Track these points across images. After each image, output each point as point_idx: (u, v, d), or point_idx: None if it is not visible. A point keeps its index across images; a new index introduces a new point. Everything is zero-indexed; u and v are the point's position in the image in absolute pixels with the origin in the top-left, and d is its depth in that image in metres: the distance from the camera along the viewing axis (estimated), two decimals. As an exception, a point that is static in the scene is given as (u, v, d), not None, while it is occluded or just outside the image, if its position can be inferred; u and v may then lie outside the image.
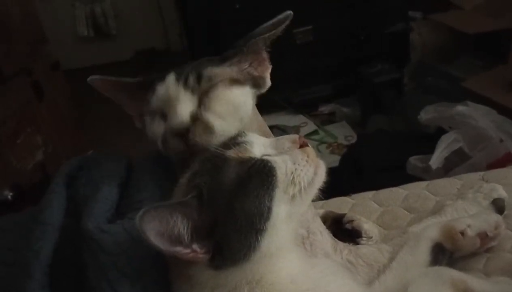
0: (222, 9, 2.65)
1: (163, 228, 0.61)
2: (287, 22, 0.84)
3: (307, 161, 0.68)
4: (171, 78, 0.82)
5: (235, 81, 0.83)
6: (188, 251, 0.62)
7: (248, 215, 0.63)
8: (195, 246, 0.63)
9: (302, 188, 0.67)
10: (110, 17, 4.16)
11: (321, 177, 0.70)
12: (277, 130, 2.57)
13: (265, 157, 0.68)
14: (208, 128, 0.78)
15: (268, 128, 0.93)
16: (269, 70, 0.88)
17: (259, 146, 0.70)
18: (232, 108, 0.81)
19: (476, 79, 2.25)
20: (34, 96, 2.38)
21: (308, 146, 0.71)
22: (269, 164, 0.66)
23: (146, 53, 4.14)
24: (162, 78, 0.83)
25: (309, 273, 0.71)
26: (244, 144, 0.69)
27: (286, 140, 0.71)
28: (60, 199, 0.82)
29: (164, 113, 0.81)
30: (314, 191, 0.70)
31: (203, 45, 2.71)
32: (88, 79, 0.84)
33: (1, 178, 1.99)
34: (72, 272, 0.74)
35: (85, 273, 0.70)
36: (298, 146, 0.70)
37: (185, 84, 0.81)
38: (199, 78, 0.81)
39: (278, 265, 0.68)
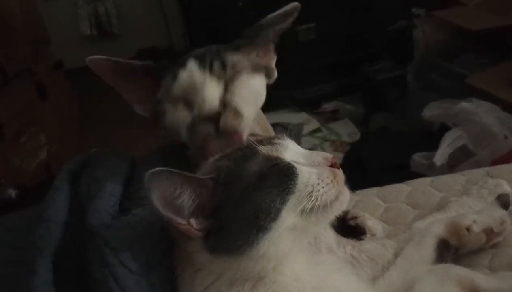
0: (225, 8, 2.64)
1: (168, 193, 0.62)
2: (296, 13, 0.85)
3: (331, 181, 0.67)
4: (193, 64, 0.82)
5: (256, 69, 0.85)
6: (183, 222, 0.63)
7: (256, 209, 0.62)
8: (192, 221, 0.63)
9: (317, 206, 0.65)
10: (113, 16, 4.16)
11: (342, 204, 0.68)
12: (280, 127, 2.57)
13: (293, 162, 0.67)
14: (237, 113, 0.80)
15: (269, 124, 0.94)
16: (274, 61, 0.89)
17: (292, 151, 0.70)
18: (256, 95, 0.84)
19: (480, 76, 2.23)
20: (37, 96, 2.39)
21: (339, 168, 0.69)
22: (293, 169, 0.66)
23: (148, 52, 4.14)
24: (182, 64, 0.82)
25: (314, 271, 0.70)
26: (278, 146, 0.69)
27: (319, 155, 0.70)
28: (63, 196, 0.82)
29: (188, 101, 0.81)
30: (329, 214, 0.68)
31: (205, 44, 2.71)
32: (87, 59, 0.82)
33: (5, 177, 2.00)
34: (76, 269, 0.74)
35: (89, 269, 0.70)
36: (329, 164, 0.68)
37: (211, 71, 0.81)
38: (223, 65, 0.81)
39: (280, 264, 0.67)
